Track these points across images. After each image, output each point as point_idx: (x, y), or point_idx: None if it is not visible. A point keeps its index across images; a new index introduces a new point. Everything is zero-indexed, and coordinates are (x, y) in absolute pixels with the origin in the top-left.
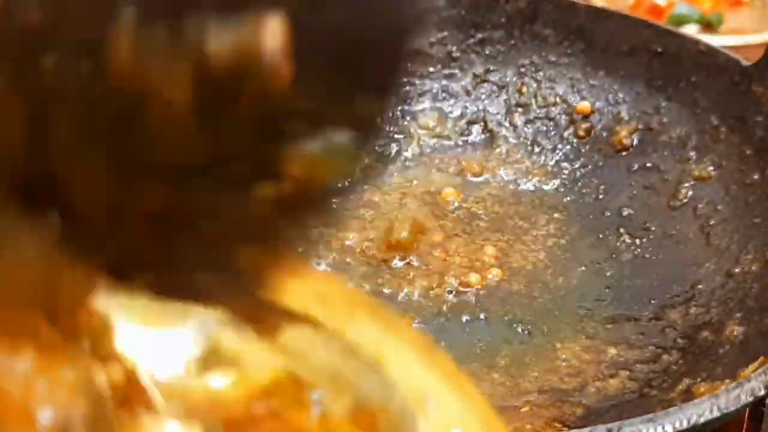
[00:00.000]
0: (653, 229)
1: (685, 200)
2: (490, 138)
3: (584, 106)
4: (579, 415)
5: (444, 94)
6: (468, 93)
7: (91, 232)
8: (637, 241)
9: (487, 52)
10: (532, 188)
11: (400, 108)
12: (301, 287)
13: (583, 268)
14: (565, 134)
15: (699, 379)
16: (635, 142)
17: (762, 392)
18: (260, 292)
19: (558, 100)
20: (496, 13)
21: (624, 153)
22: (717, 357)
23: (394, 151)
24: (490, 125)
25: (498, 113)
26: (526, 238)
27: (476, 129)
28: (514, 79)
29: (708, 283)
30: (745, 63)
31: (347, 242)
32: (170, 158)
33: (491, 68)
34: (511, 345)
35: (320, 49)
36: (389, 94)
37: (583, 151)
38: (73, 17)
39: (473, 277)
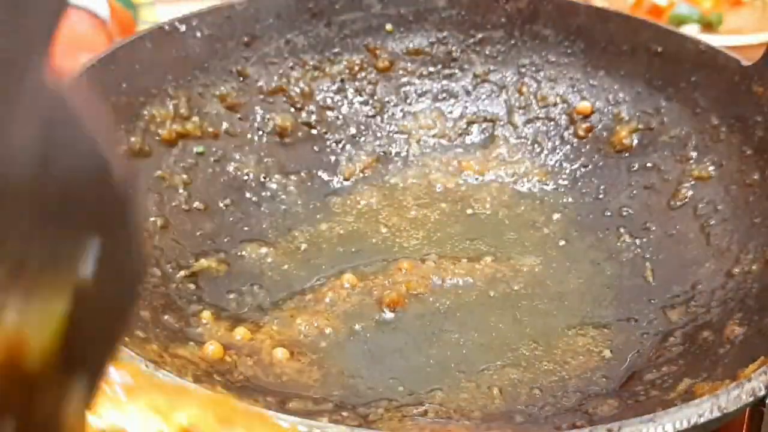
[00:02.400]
0: (653, 229)
1: (685, 200)
2: (490, 138)
3: (584, 106)
4: (579, 415)
5: (444, 94)
6: (468, 93)
7: None
8: (637, 241)
9: (487, 52)
10: (532, 188)
11: (400, 108)
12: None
13: (583, 268)
14: (565, 134)
15: (699, 379)
16: (635, 142)
17: (762, 392)
18: None
19: (558, 100)
20: (496, 13)
21: (624, 153)
22: (717, 357)
23: (394, 151)
24: (490, 125)
25: (498, 113)
26: (526, 238)
27: (476, 129)
28: (514, 79)
29: (708, 283)
30: (745, 63)
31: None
32: None
33: (491, 68)
34: (509, 345)
35: None
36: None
37: (583, 151)
38: None
39: (473, 277)
